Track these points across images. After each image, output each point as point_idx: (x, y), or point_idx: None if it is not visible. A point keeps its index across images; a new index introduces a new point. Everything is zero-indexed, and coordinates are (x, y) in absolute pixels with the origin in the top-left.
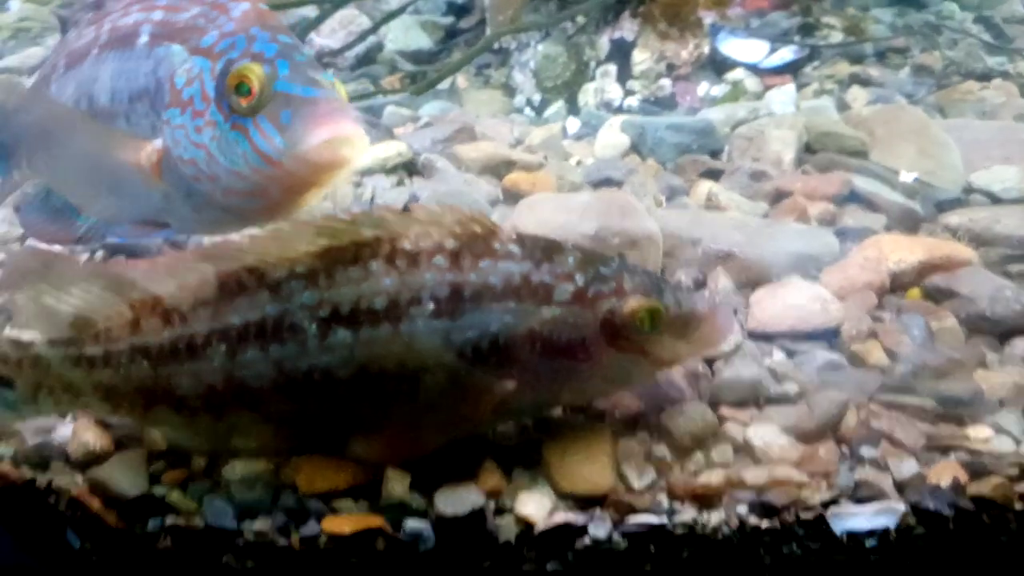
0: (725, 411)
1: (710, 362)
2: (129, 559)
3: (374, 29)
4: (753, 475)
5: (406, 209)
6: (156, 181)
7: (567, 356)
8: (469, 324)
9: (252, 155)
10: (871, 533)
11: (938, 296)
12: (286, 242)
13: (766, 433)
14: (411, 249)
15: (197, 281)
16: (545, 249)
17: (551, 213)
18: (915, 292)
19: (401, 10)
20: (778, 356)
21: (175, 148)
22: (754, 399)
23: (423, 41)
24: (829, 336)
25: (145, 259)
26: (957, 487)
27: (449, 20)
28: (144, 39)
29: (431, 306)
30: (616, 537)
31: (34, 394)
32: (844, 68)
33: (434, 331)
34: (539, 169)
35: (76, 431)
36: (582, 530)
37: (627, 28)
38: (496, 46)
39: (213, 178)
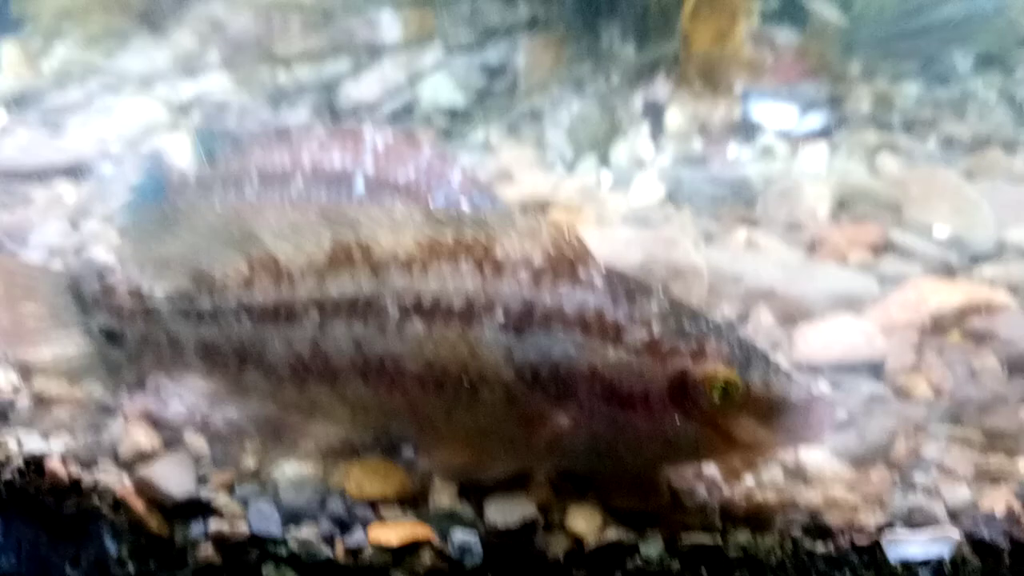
0: None
1: None
2: (167, 569)
3: (407, 86)
4: (808, 496)
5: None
6: None
7: (626, 406)
8: (532, 344)
9: None
10: (925, 563)
11: (977, 338)
12: (398, 224)
13: (818, 456)
14: (500, 257)
15: (313, 245)
16: (631, 290)
17: (595, 245)
18: (955, 334)
19: (435, 68)
20: (823, 387)
21: None
22: None
23: (458, 99)
24: (873, 370)
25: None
26: (1012, 516)
27: (482, 81)
28: (360, 187)
29: (501, 317)
30: (667, 557)
31: (140, 351)
32: (872, 137)
33: (498, 343)
34: (578, 210)
35: (128, 429)
36: (633, 548)
37: (661, 89)
38: (528, 106)
39: None
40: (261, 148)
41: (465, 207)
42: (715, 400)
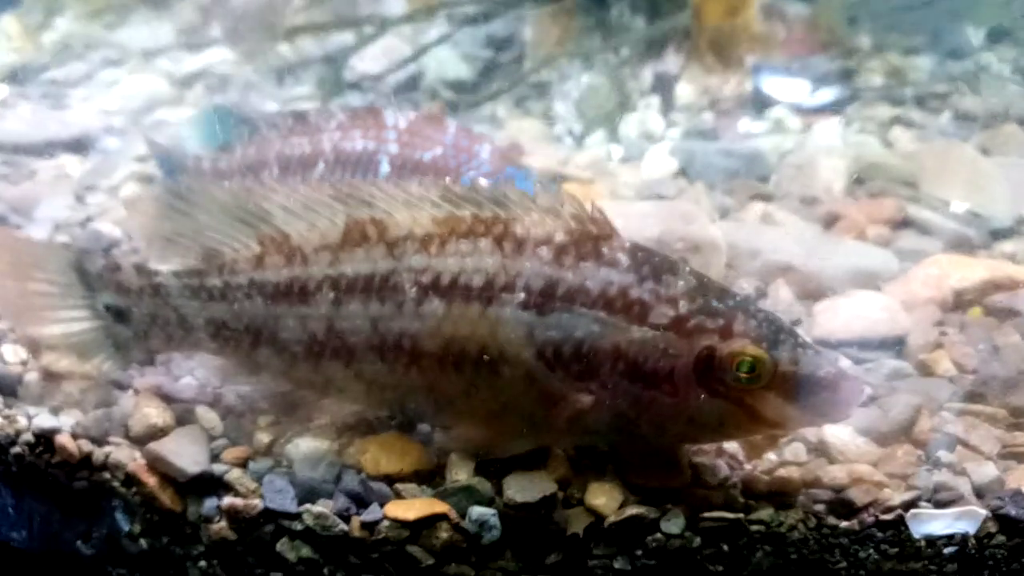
0: None
1: None
2: (179, 544)
3: (412, 59)
4: (833, 472)
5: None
6: None
7: (650, 384)
8: (555, 323)
9: None
10: (950, 539)
11: (1000, 314)
12: (414, 200)
13: (842, 433)
14: (521, 234)
15: (326, 223)
16: (656, 266)
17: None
18: (976, 310)
19: (440, 41)
20: (845, 363)
21: None
22: None
23: (463, 72)
24: (895, 346)
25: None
26: None
27: (489, 53)
28: (386, 168)
29: (522, 295)
30: (689, 533)
31: (148, 328)
32: (885, 111)
33: (519, 322)
34: (591, 184)
35: (139, 404)
36: (654, 524)
37: (671, 62)
38: (535, 79)
39: None
40: (279, 134)
41: (500, 181)
42: (742, 377)
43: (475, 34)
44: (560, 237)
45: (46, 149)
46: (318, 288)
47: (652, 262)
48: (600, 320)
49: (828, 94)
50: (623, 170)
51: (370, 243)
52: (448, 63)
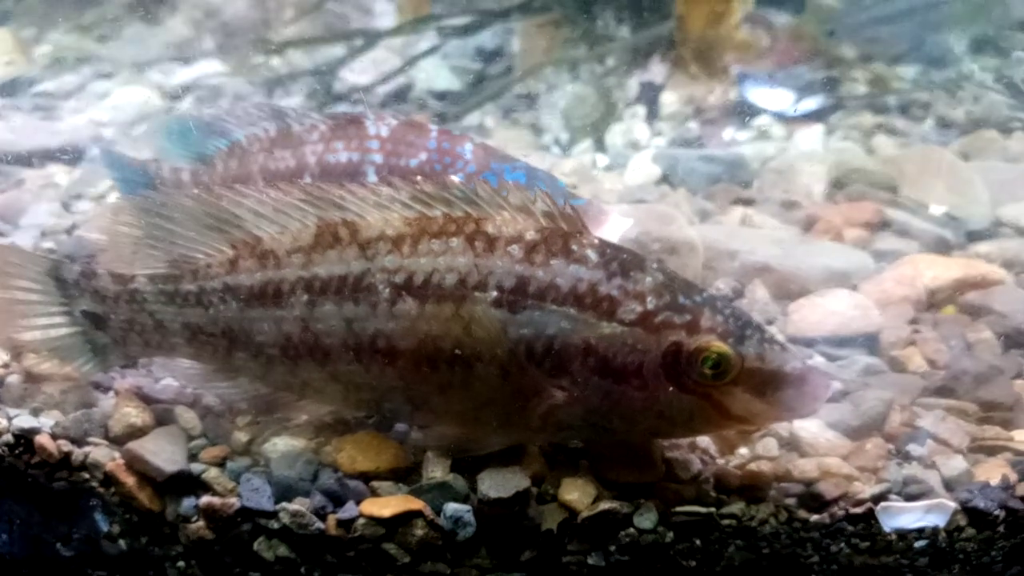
0: None
1: None
2: (158, 544)
3: (401, 70)
4: (803, 466)
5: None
6: None
7: (620, 380)
8: (526, 321)
9: None
10: (920, 532)
11: (973, 312)
12: (385, 201)
13: (813, 427)
14: (492, 233)
15: (298, 225)
16: (624, 263)
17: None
18: (950, 308)
19: (429, 52)
20: (818, 360)
21: None
22: None
23: (453, 83)
24: (868, 343)
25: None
26: (1008, 486)
27: (478, 65)
28: (373, 178)
29: (494, 294)
30: (662, 528)
31: (125, 334)
32: (868, 119)
33: (492, 320)
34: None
35: (118, 405)
36: (627, 519)
37: (656, 71)
38: (524, 91)
39: None
40: (261, 146)
41: (489, 178)
42: (708, 373)
43: (464, 46)
44: (531, 235)
45: (35, 158)
46: (292, 290)
47: (620, 258)
48: (570, 317)
49: (812, 103)
50: (607, 177)
51: (342, 244)
52: (437, 75)
